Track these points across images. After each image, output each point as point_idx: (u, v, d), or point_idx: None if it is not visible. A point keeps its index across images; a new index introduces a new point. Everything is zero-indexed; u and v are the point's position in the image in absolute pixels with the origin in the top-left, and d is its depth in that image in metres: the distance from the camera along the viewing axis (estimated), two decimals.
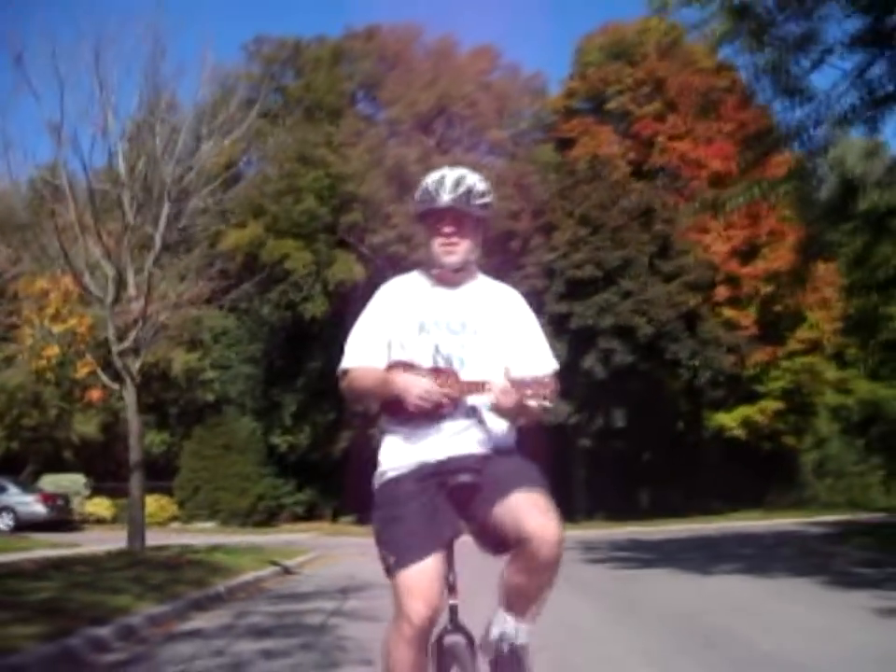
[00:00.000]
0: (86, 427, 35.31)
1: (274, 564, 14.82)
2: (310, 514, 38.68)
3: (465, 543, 3.23)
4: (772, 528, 26.72)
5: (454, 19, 79.50)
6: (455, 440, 3.24)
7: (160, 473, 35.23)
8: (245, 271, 29.63)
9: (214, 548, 17.41)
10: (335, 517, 38.09)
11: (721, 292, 36.54)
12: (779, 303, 34.83)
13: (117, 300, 14.79)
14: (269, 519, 36.22)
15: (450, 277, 3.38)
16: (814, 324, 37.22)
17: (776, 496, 40.52)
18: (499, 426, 3.33)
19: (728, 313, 36.49)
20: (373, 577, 7.70)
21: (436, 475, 3.21)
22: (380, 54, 40.46)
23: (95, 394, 22.75)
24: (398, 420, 3.27)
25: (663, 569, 13.82)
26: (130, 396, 15.09)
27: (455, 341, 3.31)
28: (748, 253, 36.88)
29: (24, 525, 27.93)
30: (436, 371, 3.20)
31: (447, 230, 3.30)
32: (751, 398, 38.25)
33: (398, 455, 3.28)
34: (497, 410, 3.14)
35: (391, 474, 3.28)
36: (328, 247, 34.07)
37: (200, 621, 8.76)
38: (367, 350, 3.33)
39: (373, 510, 3.30)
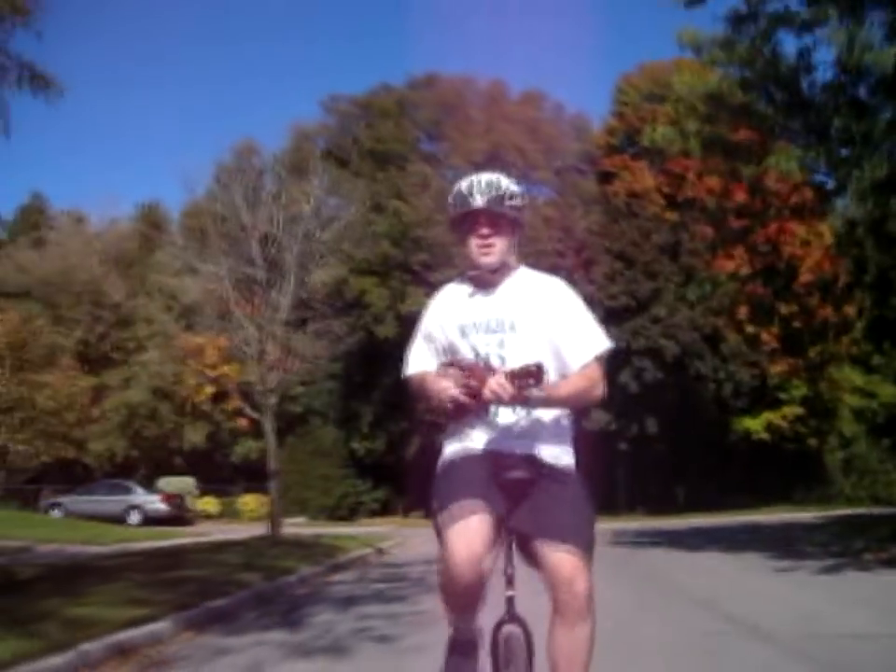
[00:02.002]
0: (195, 436, 40.71)
1: (370, 546, 20.05)
2: (384, 510, 43.21)
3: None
4: (783, 520, 30.16)
5: (504, 63, 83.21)
6: (505, 434, 3.36)
7: (258, 476, 40.62)
8: (329, 302, 34.20)
9: (319, 536, 22.57)
10: (406, 513, 42.23)
11: (744, 311, 40.61)
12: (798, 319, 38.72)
13: (260, 355, 20.05)
14: (350, 514, 41.02)
15: (487, 279, 3.46)
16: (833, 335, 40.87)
17: (803, 492, 44.08)
18: (554, 434, 3.44)
19: (750, 329, 40.55)
20: None
21: (489, 463, 3.33)
22: (439, 101, 45.25)
23: (244, 422, 27.90)
24: (449, 420, 3.47)
25: (661, 548, 18.03)
26: (268, 423, 20.50)
27: (493, 340, 3.39)
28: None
29: (149, 521, 32.89)
30: (468, 368, 3.31)
31: (483, 231, 3.38)
32: (776, 404, 42.36)
33: (454, 445, 3.46)
34: (498, 402, 3.19)
35: (449, 458, 3.46)
36: (401, 283, 38.76)
37: (339, 576, 14.05)
38: (419, 359, 3.57)
39: (433, 492, 3.40)
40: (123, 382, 38.65)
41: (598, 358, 3.39)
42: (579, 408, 3.52)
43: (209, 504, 39.50)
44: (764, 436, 42.20)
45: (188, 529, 30.89)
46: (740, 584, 11.12)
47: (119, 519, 32.24)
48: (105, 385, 37.90)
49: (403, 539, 24.84)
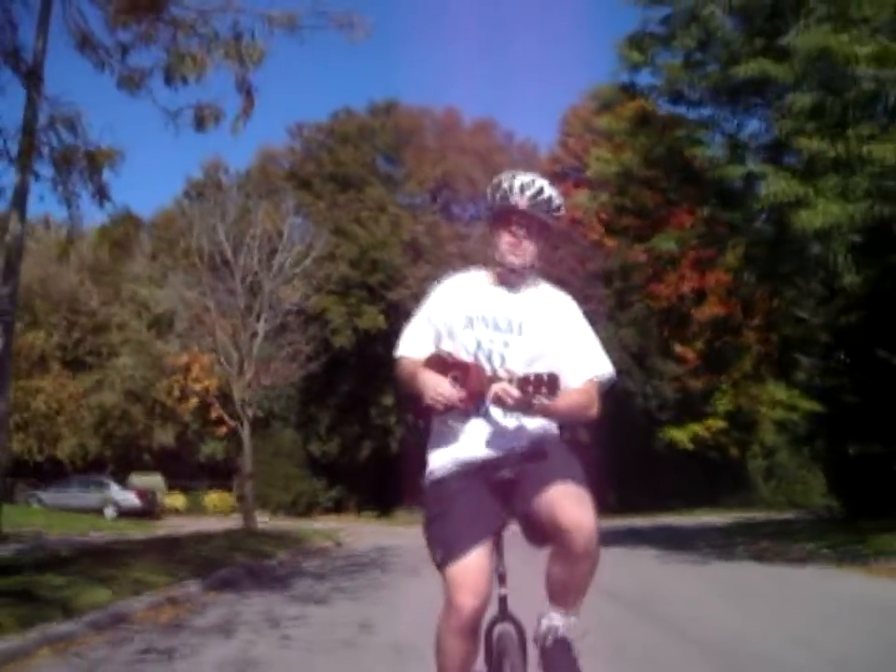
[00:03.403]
0: (164, 436, 43.73)
1: (330, 538, 23.42)
2: (338, 507, 46.00)
3: (516, 534, 3.45)
4: (701, 522, 33.49)
5: (458, 91, 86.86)
6: (495, 433, 3.33)
7: (222, 474, 43.91)
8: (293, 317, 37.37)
9: (285, 530, 25.81)
10: (358, 510, 45.69)
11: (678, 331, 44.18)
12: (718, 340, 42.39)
13: (240, 371, 23.40)
14: (307, 510, 43.98)
15: (509, 278, 3.46)
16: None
17: (726, 496, 47.49)
18: (542, 426, 3.42)
19: (679, 348, 44.17)
20: (394, 546, 16.01)
21: (480, 470, 3.30)
22: (398, 128, 48.25)
23: (223, 429, 31.23)
24: (435, 415, 3.39)
25: None
26: (246, 431, 23.88)
27: (498, 338, 3.38)
28: (696, 299, 44.55)
29: (123, 514, 35.39)
30: (461, 365, 3.29)
31: (519, 231, 3.38)
32: (701, 416, 46.05)
33: (443, 453, 3.39)
34: (500, 406, 3.18)
35: (437, 474, 3.38)
36: (358, 301, 41.75)
37: (309, 560, 17.41)
38: (415, 340, 3.51)
39: (424, 508, 3.42)
40: (96, 384, 41.48)
41: (599, 382, 3.43)
42: (569, 423, 3.60)
43: (177, 500, 42.54)
44: (689, 446, 45.55)
45: (160, 522, 33.93)
46: (621, 567, 13.90)
47: (95, 512, 34.78)
48: (80, 387, 40.70)
49: (357, 533, 28.32)
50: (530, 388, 3.03)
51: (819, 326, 20.76)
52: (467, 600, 3.08)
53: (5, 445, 9.62)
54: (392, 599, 10.29)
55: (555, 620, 3.27)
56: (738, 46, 15.30)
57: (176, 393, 33.27)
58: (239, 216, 25.83)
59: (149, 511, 37.22)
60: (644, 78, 18.56)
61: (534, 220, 3.39)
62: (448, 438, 3.39)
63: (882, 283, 14.60)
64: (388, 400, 43.47)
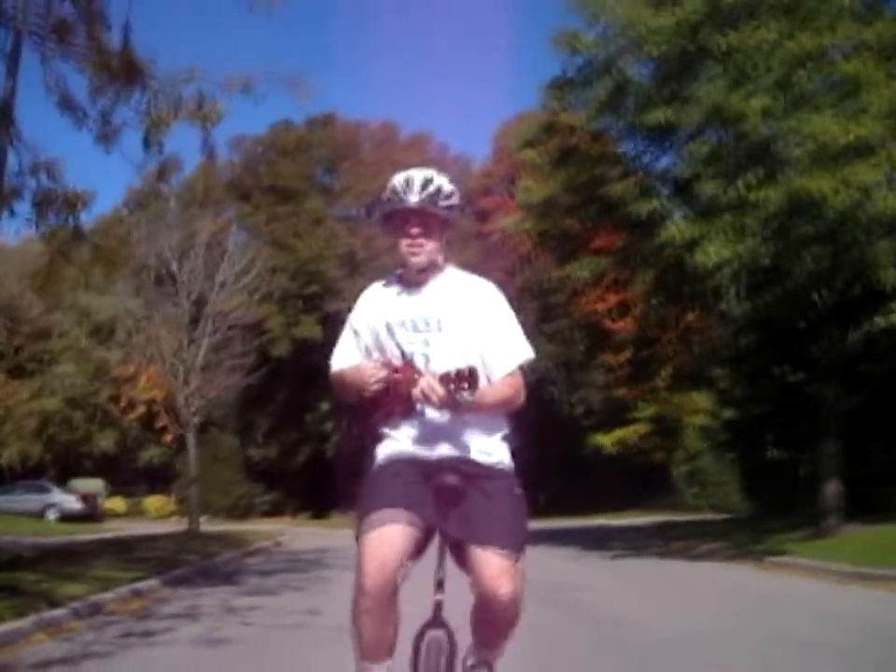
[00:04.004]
0: (104, 442, 44.63)
1: (270, 539, 24.73)
2: (275, 511, 47.51)
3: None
4: (627, 523, 34.65)
5: (396, 104, 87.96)
6: (433, 435, 3.32)
7: (161, 478, 44.92)
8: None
9: (226, 531, 27.06)
10: (294, 513, 47.09)
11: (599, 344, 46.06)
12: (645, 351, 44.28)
13: (185, 381, 24.68)
14: (245, 514, 45.24)
15: (415, 277, 3.42)
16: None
17: (652, 499, 49.05)
18: (487, 427, 3.41)
19: (606, 358, 46.02)
20: (332, 546, 17.38)
21: (425, 467, 3.29)
22: (335, 141, 49.76)
23: (169, 437, 32.49)
24: (379, 420, 3.39)
25: None
26: (191, 439, 25.14)
27: (418, 339, 3.35)
28: (621, 311, 46.40)
29: (65, 518, 36.21)
30: (396, 369, 3.29)
31: (414, 230, 3.32)
32: (626, 423, 47.93)
33: (387, 449, 3.41)
34: (428, 404, 3.15)
35: (382, 461, 3.39)
36: (295, 311, 43.18)
37: (252, 559, 18.75)
38: (345, 353, 3.51)
39: (359, 496, 3.34)
40: (37, 391, 42.31)
41: (521, 367, 3.40)
42: (500, 415, 3.47)
43: (117, 504, 43.57)
44: (612, 450, 47.19)
45: (102, 525, 34.87)
46: (537, 564, 15.80)
47: (37, 516, 35.55)
48: (24, 394, 41.56)
49: (294, 534, 29.54)
50: (451, 385, 3.03)
51: (722, 345, 22.52)
52: (370, 571, 3.05)
53: None
54: (334, 590, 11.63)
55: (478, 658, 3.45)
56: (650, 92, 16.99)
57: (123, 402, 34.60)
58: (179, 226, 26.95)
59: (91, 514, 38.02)
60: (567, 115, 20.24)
61: (428, 216, 3.34)
62: (392, 437, 3.40)
63: (770, 311, 16.37)
64: (324, 407, 44.76)
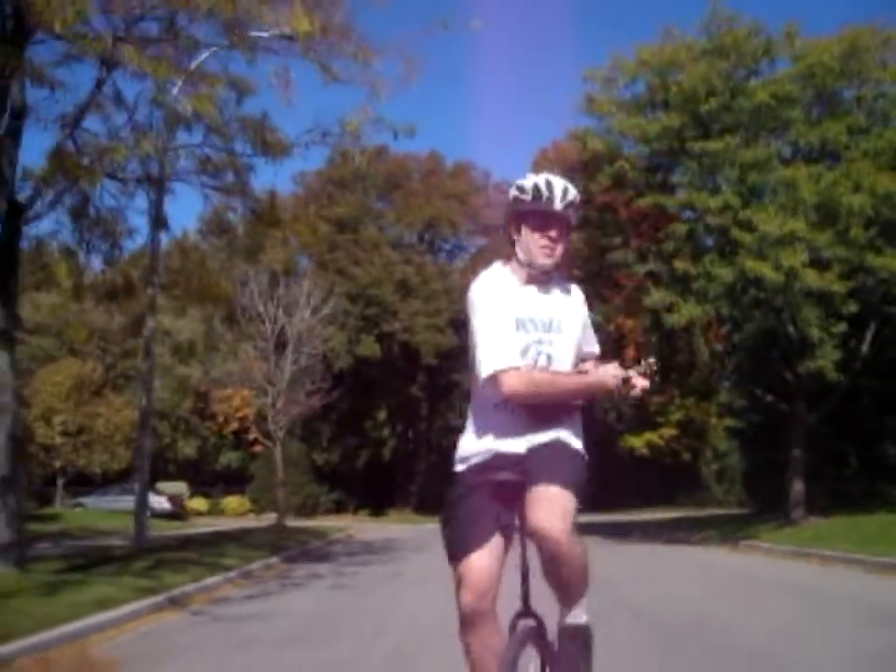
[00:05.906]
0: (188, 449, 50.06)
1: (342, 532, 29.62)
2: (338, 509, 52.54)
3: None
4: (648, 518, 38.93)
5: (441, 133, 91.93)
6: (528, 428, 3.35)
7: (237, 480, 50.20)
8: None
9: (305, 526, 31.92)
10: (356, 511, 52.12)
11: (630, 353, 49.92)
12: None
13: (273, 403, 29.70)
14: (312, 511, 49.89)
15: (540, 277, 3.44)
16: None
17: (683, 496, 53.62)
18: (573, 422, 3.48)
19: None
20: (395, 537, 22.17)
21: (491, 469, 3.32)
22: (388, 173, 53.85)
23: (258, 447, 37.44)
24: (493, 406, 3.35)
25: None
26: (279, 450, 30.13)
27: (545, 338, 3.40)
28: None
29: (155, 516, 39.52)
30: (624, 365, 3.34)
31: (553, 233, 3.37)
32: (656, 426, 51.82)
33: (470, 443, 3.43)
34: (630, 395, 3.32)
35: (459, 467, 3.43)
36: (356, 331, 47.85)
37: (335, 546, 23.65)
38: (509, 349, 3.31)
39: (445, 501, 3.44)
40: (124, 404, 47.33)
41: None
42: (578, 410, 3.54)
43: (199, 504, 48.71)
44: (644, 451, 51.27)
45: (190, 522, 39.81)
46: None
47: (131, 514, 40.13)
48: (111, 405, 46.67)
49: (359, 528, 34.56)
50: (654, 379, 3.20)
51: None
52: (466, 599, 3.20)
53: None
54: (409, 562, 16.43)
55: (565, 614, 3.42)
56: (642, 181, 21.82)
57: (221, 419, 40.27)
58: (247, 255, 31.48)
59: (177, 513, 42.42)
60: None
61: (566, 222, 3.41)
62: (485, 427, 3.40)
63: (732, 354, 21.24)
64: (382, 415, 49.69)
